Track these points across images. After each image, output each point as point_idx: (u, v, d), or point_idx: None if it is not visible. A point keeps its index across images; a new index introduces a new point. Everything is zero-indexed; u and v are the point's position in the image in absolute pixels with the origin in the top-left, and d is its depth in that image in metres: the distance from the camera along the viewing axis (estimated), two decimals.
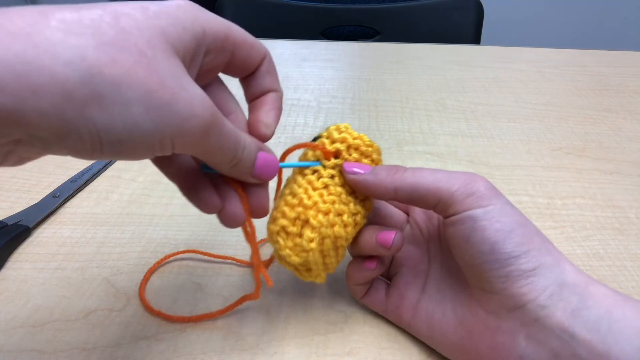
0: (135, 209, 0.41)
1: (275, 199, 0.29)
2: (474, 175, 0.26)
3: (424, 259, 0.30)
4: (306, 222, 0.26)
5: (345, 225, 0.27)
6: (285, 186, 0.29)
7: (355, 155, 0.28)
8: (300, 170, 0.28)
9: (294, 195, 0.27)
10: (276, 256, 0.29)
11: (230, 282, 0.34)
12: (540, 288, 0.23)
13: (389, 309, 0.30)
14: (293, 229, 0.27)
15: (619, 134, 0.55)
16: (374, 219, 0.31)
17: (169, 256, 0.35)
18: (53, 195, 0.41)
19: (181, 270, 0.35)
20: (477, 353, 0.25)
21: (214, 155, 0.22)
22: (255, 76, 0.26)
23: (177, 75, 0.18)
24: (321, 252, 0.27)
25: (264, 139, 0.26)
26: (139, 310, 0.31)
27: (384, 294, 0.31)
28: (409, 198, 0.26)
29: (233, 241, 0.38)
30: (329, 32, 1.00)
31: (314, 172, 0.28)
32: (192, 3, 0.22)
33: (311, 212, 0.26)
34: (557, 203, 0.43)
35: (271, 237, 0.28)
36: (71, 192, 0.42)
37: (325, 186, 0.27)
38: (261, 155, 0.24)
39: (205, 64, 0.23)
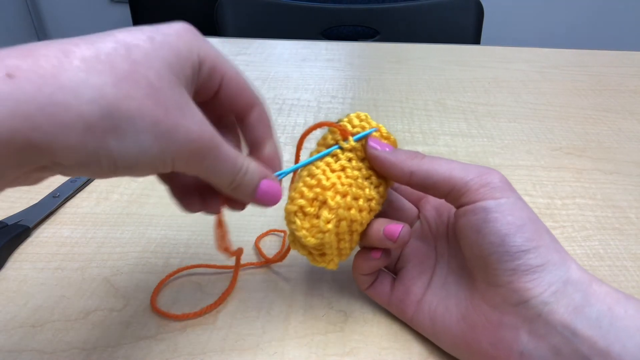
0: (135, 209, 0.41)
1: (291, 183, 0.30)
2: (489, 168, 0.26)
3: (431, 255, 0.30)
4: (324, 202, 0.27)
5: (360, 210, 0.27)
6: (303, 168, 0.29)
7: (375, 133, 0.29)
8: (318, 151, 0.29)
9: (312, 176, 0.27)
10: (290, 240, 0.29)
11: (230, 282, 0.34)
12: (546, 284, 0.23)
13: (393, 302, 0.30)
14: (311, 210, 0.27)
15: (619, 134, 0.55)
16: (385, 211, 0.31)
17: (181, 270, 0.34)
18: (53, 195, 0.41)
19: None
20: (479, 347, 0.25)
21: (212, 177, 0.23)
22: (247, 123, 0.27)
23: (180, 105, 0.21)
24: (337, 234, 0.27)
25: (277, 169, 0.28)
26: (139, 310, 0.31)
27: (389, 287, 0.31)
28: (423, 184, 0.27)
29: (233, 241, 0.37)
30: (329, 32, 1.00)
31: (333, 154, 0.28)
32: (189, 28, 0.23)
33: (329, 193, 0.26)
34: (557, 203, 0.43)
35: (288, 217, 0.28)
36: (71, 192, 0.42)
37: (343, 168, 0.28)
38: (264, 183, 0.26)
39: (198, 87, 0.24)
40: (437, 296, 0.28)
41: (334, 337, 0.30)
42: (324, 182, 0.27)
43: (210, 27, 0.89)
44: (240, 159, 0.24)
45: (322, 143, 0.30)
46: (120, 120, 0.18)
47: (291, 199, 0.28)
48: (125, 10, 1.96)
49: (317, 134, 0.30)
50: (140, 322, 0.30)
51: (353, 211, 0.27)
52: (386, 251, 0.29)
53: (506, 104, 0.62)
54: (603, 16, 1.87)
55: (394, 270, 0.32)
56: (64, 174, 0.20)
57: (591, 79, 0.70)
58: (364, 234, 0.29)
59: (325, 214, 0.26)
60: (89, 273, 0.34)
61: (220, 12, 0.95)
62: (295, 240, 0.29)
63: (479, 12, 0.97)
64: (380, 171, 0.29)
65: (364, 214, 0.27)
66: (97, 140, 0.18)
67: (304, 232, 0.27)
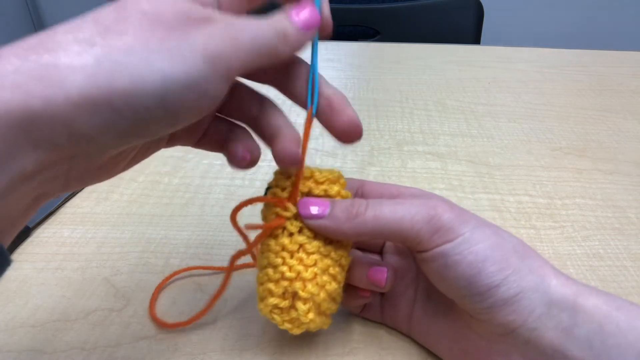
0: (135, 209, 0.41)
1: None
2: (436, 206, 0.24)
3: (412, 268, 0.29)
4: (295, 294, 0.25)
5: (334, 277, 0.26)
6: (262, 254, 0.27)
7: (309, 184, 0.26)
8: (271, 232, 0.26)
9: (274, 267, 0.26)
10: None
11: (230, 282, 0.34)
12: (527, 312, 0.22)
13: (386, 320, 0.30)
14: (285, 304, 0.25)
15: (619, 134, 0.55)
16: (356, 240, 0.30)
17: (178, 272, 0.34)
18: None
19: None
20: None
21: (262, 50, 0.20)
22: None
23: (187, 14, 0.18)
24: (319, 313, 0.26)
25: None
26: (139, 310, 0.31)
27: (379, 307, 0.30)
28: (375, 239, 0.26)
29: (233, 241, 0.37)
30: None
31: (283, 229, 0.26)
32: None
33: (297, 285, 0.25)
34: (557, 203, 0.43)
35: (266, 315, 0.26)
36: (71, 191, 0.42)
37: (300, 245, 0.25)
38: (293, 12, 0.22)
39: None
40: (426, 313, 0.28)
41: (333, 337, 0.30)
42: (288, 274, 0.25)
43: None
44: (261, 19, 0.21)
45: (265, 216, 0.27)
46: (120, 57, 0.17)
47: (261, 298, 0.26)
48: None
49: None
50: (140, 322, 0.30)
51: (327, 286, 0.25)
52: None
53: (506, 104, 0.62)
54: (603, 16, 1.87)
55: None
56: (98, 147, 0.18)
57: (591, 79, 0.70)
58: (348, 277, 0.27)
59: (300, 306, 0.25)
60: (89, 273, 0.34)
61: None
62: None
63: (479, 12, 0.97)
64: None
65: (339, 277, 0.26)
66: (101, 88, 0.16)
67: (287, 325, 0.26)
